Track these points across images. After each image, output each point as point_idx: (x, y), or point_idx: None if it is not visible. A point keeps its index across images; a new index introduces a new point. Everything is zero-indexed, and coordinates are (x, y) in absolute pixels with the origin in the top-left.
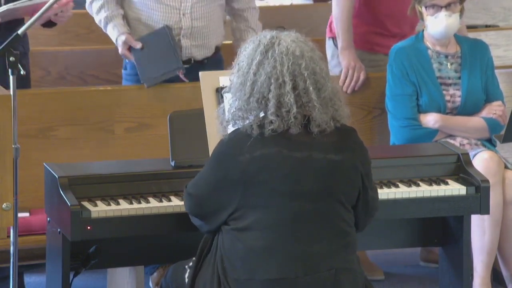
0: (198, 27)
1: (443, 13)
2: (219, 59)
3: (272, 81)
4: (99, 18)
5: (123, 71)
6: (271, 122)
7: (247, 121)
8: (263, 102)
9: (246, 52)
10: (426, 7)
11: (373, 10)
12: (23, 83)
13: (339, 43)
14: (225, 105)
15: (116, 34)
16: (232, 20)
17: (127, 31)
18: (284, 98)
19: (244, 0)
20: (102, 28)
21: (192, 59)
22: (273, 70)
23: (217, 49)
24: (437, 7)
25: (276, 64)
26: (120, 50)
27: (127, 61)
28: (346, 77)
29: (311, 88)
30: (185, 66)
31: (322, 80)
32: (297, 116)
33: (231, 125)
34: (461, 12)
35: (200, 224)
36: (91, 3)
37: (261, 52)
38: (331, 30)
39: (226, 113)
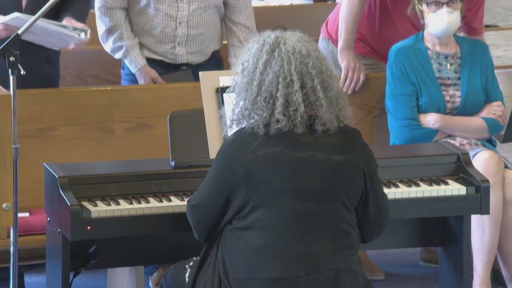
0: (194, 35)
1: (444, 10)
2: (217, 60)
3: (280, 80)
4: (116, 54)
5: (121, 70)
6: (277, 121)
7: (252, 120)
8: (270, 101)
9: (251, 52)
10: (427, 4)
11: (374, 28)
12: (50, 85)
13: (339, 43)
14: (225, 105)
15: (135, 67)
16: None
17: (145, 63)
18: (292, 97)
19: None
20: (119, 56)
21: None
22: (281, 69)
23: (215, 52)
24: (439, 4)
25: (284, 63)
26: (143, 80)
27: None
28: (346, 78)
29: (318, 87)
30: (183, 68)
31: (328, 79)
32: (303, 115)
33: (235, 124)
34: (462, 11)
35: (202, 237)
36: (107, 37)
37: (267, 51)
38: (327, 30)
39: (231, 113)
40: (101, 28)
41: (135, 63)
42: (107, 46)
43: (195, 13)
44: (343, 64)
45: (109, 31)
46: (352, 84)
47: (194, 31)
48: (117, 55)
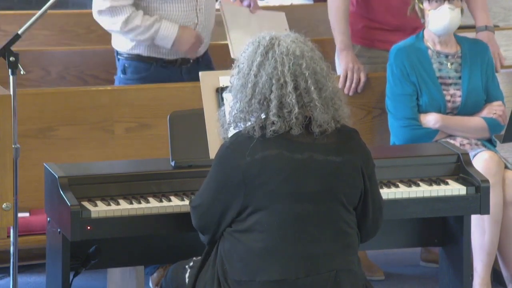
0: (207, 22)
1: (446, 6)
2: (209, 58)
3: (274, 82)
4: (143, 36)
5: (121, 75)
6: (272, 123)
7: (249, 123)
8: (265, 103)
9: (246, 54)
10: (429, 1)
11: (371, 5)
12: None
13: (336, 45)
14: (225, 107)
15: (174, 30)
16: None
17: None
18: (285, 99)
19: None
20: (148, 39)
21: (191, 59)
22: (274, 71)
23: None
24: (440, 0)
25: (277, 65)
26: (190, 45)
27: (126, 65)
28: (345, 79)
29: (312, 88)
30: (184, 65)
31: (322, 80)
32: (298, 116)
33: (232, 127)
34: (462, 10)
35: (207, 240)
36: (127, 30)
37: (261, 53)
38: None
39: (227, 115)
40: (117, 20)
41: (170, 28)
42: (133, 30)
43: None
44: (341, 66)
45: (128, 19)
46: (353, 85)
47: (208, 18)
48: (147, 34)
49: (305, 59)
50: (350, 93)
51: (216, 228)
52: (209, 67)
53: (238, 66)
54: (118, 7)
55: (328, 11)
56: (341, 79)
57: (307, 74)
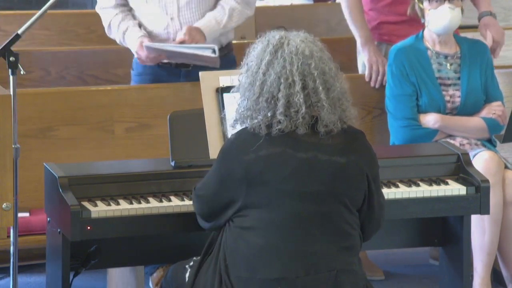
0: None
1: (446, 5)
2: (229, 60)
3: (282, 80)
4: (119, 38)
5: (131, 71)
6: (279, 122)
7: (256, 121)
8: (272, 102)
9: (255, 52)
10: (429, 1)
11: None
12: None
13: (358, 41)
14: (226, 106)
15: (134, 39)
16: None
17: (143, 34)
18: (293, 98)
19: None
20: (123, 43)
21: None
22: (283, 69)
23: (225, 49)
24: (440, 0)
25: (286, 64)
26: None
27: (133, 60)
28: (371, 73)
29: (320, 88)
30: (186, 69)
31: (331, 80)
32: (305, 116)
33: (239, 124)
34: (462, 10)
35: (208, 226)
36: (109, 28)
37: (270, 52)
38: None
39: (234, 113)
40: (105, 24)
41: (134, 36)
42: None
43: (187, 6)
44: (365, 59)
45: (109, 25)
46: (379, 78)
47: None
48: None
49: (314, 59)
50: (377, 86)
51: (218, 218)
52: (229, 68)
53: (247, 64)
54: (106, 8)
55: (342, 7)
56: (367, 72)
57: (315, 74)
